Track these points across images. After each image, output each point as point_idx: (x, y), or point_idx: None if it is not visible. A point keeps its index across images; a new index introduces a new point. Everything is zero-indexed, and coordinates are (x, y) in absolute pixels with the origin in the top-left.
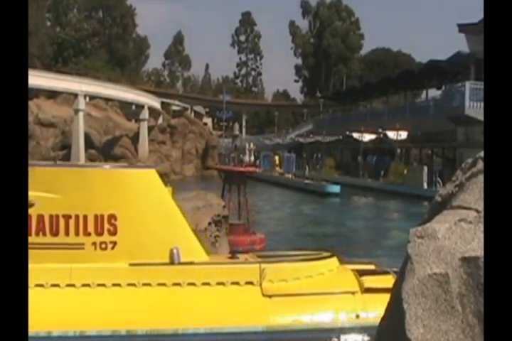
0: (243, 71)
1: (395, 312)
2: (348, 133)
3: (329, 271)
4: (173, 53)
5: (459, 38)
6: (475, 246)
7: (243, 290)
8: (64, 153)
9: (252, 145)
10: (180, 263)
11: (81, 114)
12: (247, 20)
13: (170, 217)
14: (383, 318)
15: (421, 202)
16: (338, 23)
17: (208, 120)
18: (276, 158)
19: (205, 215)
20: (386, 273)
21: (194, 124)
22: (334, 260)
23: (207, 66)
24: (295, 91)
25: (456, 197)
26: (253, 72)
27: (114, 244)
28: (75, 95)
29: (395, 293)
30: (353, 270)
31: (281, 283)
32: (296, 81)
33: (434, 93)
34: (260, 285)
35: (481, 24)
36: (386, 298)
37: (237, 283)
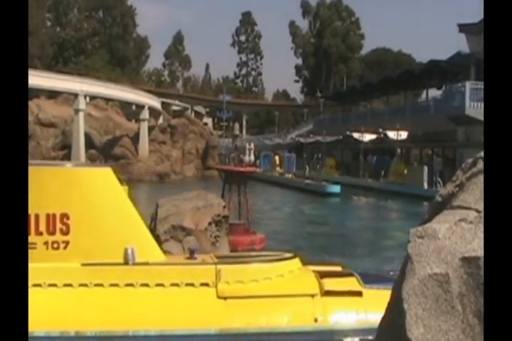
0: (243, 71)
1: (395, 312)
2: (348, 133)
3: (289, 273)
4: (174, 53)
5: (459, 38)
6: (475, 246)
7: (198, 291)
8: (64, 153)
9: (252, 145)
10: (134, 264)
11: (81, 114)
12: (247, 20)
13: (125, 216)
14: (383, 318)
15: (421, 202)
16: (339, 23)
17: (209, 120)
18: (277, 158)
19: (205, 215)
20: (350, 275)
21: (194, 124)
22: (295, 261)
23: (207, 66)
24: (295, 91)
25: (456, 197)
26: (253, 72)
27: (67, 243)
28: (76, 95)
29: (395, 293)
30: (315, 272)
31: (237, 284)
32: (297, 81)
33: (434, 93)
34: (216, 286)
35: (481, 24)
36: (346, 301)
37: (191, 285)
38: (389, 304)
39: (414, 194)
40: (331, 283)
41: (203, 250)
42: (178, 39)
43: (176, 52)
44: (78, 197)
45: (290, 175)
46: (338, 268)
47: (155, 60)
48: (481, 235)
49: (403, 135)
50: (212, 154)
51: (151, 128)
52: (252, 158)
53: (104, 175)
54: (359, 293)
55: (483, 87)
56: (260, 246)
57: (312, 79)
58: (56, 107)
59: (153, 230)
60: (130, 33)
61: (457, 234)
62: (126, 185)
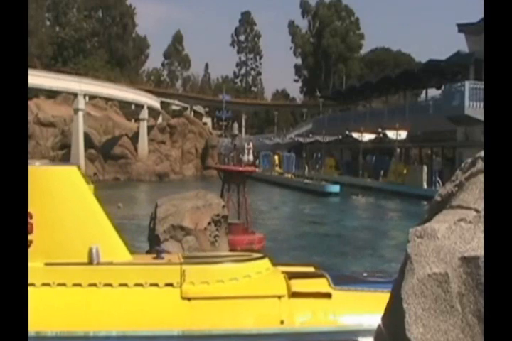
0: (243, 71)
1: (394, 312)
2: (347, 132)
3: (257, 274)
4: (173, 53)
5: (459, 38)
6: (474, 245)
7: (162, 292)
8: (63, 152)
9: (250, 144)
10: (98, 263)
11: (81, 114)
12: (246, 20)
13: (91, 215)
14: (383, 318)
15: (420, 202)
16: (338, 22)
17: (208, 120)
18: (276, 157)
19: (204, 215)
20: (320, 276)
21: (194, 124)
22: (264, 262)
23: (206, 66)
24: (295, 90)
25: (455, 197)
26: (253, 72)
27: (30, 242)
28: (75, 95)
29: (395, 293)
30: (284, 273)
31: (202, 285)
32: (296, 81)
33: (433, 93)
34: (180, 287)
35: (481, 24)
36: (314, 302)
37: (156, 285)
38: (388, 303)
39: (413, 194)
40: (299, 285)
41: (202, 250)
42: (178, 39)
43: (176, 51)
44: (42, 196)
45: (289, 175)
46: (311, 269)
47: (154, 59)
48: (481, 235)
49: (402, 135)
50: (212, 154)
51: (150, 128)
52: (251, 157)
53: (69, 174)
54: (328, 295)
55: (482, 86)
56: (259, 245)
57: (311, 78)
58: (55, 107)
59: (152, 230)
60: (129, 33)
61: (456, 234)
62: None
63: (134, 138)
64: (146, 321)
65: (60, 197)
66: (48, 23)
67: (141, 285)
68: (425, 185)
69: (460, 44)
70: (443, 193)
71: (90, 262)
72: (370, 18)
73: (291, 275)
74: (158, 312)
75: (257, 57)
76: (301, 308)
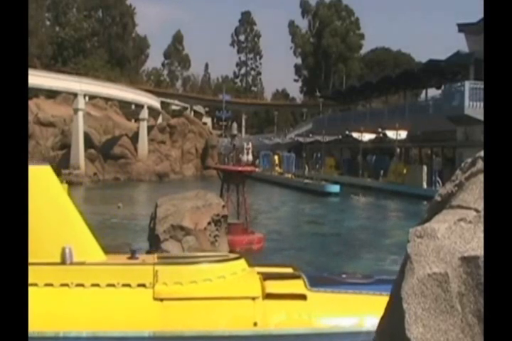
0: (243, 70)
1: (394, 312)
2: (347, 132)
3: (231, 275)
4: (173, 53)
5: (459, 38)
6: (474, 245)
7: (134, 292)
8: (63, 152)
9: (250, 144)
10: (71, 263)
11: (80, 114)
12: (246, 20)
13: (64, 215)
14: (383, 318)
15: (420, 202)
16: (338, 22)
17: (208, 119)
18: (276, 157)
19: (204, 215)
20: (296, 277)
21: (194, 124)
22: (240, 262)
23: (206, 65)
24: (294, 90)
25: (455, 197)
26: (253, 72)
27: None
28: (75, 95)
29: (395, 293)
30: (259, 273)
31: (175, 286)
32: (296, 80)
33: (433, 93)
34: (153, 287)
35: (481, 24)
36: (289, 304)
37: (128, 285)
38: (388, 303)
39: (413, 193)
40: (273, 286)
41: (202, 249)
42: (178, 38)
43: (176, 51)
44: None
45: (289, 175)
46: (289, 270)
47: (154, 59)
48: (481, 235)
49: (402, 134)
50: (212, 154)
51: (150, 128)
52: (251, 157)
53: (42, 174)
54: (303, 296)
55: (482, 86)
56: (258, 245)
57: (311, 78)
58: (55, 107)
59: (152, 229)
60: (129, 33)
61: (456, 234)
62: (66, 184)
63: (134, 138)
64: (117, 322)
65: (33, 196)
66: (47, 22)
67: (113, 285)
68: (425, 185)
69: (460, 44)
70: (443, 193)
71: (63, 262)
72: (370, 18)
73: (267, 277)
74: (129, 313)
75: (257, 57)
76: (275, 310)
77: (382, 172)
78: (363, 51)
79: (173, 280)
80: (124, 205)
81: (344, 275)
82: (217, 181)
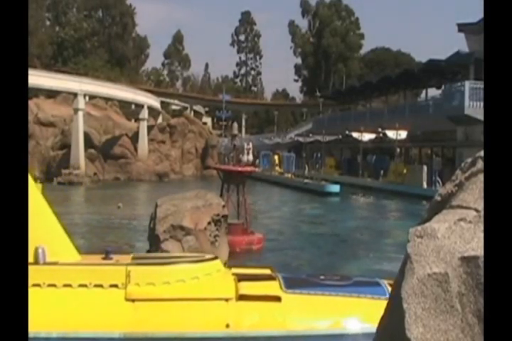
0: (243, 70)
1: (394, 312)
2: (347, 132)
3: (206, 275)
4: (173, 53)
5: (459, 38)
6: (474, 245)
7: (106, 293)
8: (63, 152)
9: (250, 144)
10: (44, 264)
11: (80, 114)
12: (246, 20)
13: (37, 215)
14: (383, 318)
15: (420, 202)
16: (338, 22)
17: (208, 119)
18: (276, 157)
19: (204, 215)
20: (272, 279)
21: (194, 124)
22: (215, 263)
23: (206, 65)
24: (295, 90)
25: (455, 197)
26: (253, 72)
27: None
28: (75, 94)
29: (395, 293)
30: (234, 275)
31: (148, 286)
32: (296, 80)
33: (433, 92)
34: (125, 288)
35: (481, 24)
36: (263, 306)
37: (100, 286)
38: (388, 303)
39: (413, 193)
40: (247, 287)
41: (202, 249)
42: (178, 38)
43: (176, 51)
44: None
45: (289, 175)
46: (266, 272)
47: (154, 59)
48: (481, 235)
49: (402, 134)
50: (212, 153)
51: (150, 128)
52: (251, 157)
53: None
54: (277, 298)
55: (482, 86)
56: (258, 246)
57: (311, 78)
58: (55, 107)
59: (152, 229)
60: (129, 33)
61: (456, 234)
62: (40, 183)
63: (134, 137)
64: (88, 322)
65: None
66: (47, 22)
67: (85, 285)
68: (425, 185)
69: (460, 44)
70: (443, 193)
71: (36, 262)
72: (370, 17)
73: (241, 278)
74: (100, 314)
75: (257, 57)
76: (249, 311)
77: (382, 172)
78: (363, 51)
79: (145, 280)
80: (124, 205)
81: (322, 277)
82: (217, 181)
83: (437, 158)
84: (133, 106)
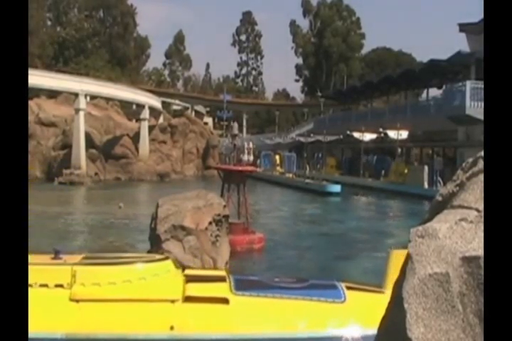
0: (244, 70)
1: (395, 312)
2: (348, 132)
3: (153, 276)
4: (174, 53)
5: (460, 38)
6: (475, 245)
7: (51, 293)
8: (65, 152)
9: (250, 144)
10: None
11: (82, 114)
12: (247, 20)
13: None
14: (383, 318)
15: (421, 202)
16: (339, 22)
17: (209, 119)
18: (277, 157)
19: (205, 215)
20: (222, 280)
21: (195, 124)
22: (165, 264)
23: (207, 65)
24: (296, 90)
25: (456, 197)
26: (254, 72)
27: None
28: (76, 95)
29: (396, 293)
30: (185, 276)
31: (93, 287)
32: (297, 80)
33: (434, 92)
34: (70, 288)
35: (482, 24)
36: (210, 308)
37: (46, 286)
38: (389, 303)
39: (414, 193)
40: (195, 289)
41: (203, 249)
42: (179, 38)
43: (177, 51)
44: None
45: (290, 175)
46: (220, 273)
47: (155, 59)
48: (482, 234)
49: (403, 134)
50: (213, 153)
51: (151, 128)
52: (251, 157)
53: None
54: (225, 300)
55: (483, 86)
56: (259, 245)
57: (312, 78)
58: (56, 107)
59: (153, 229)
60: (130, 33)
61: (458, 234)
62: None
63: (135, 138)
64: (31, 322)
65: None
66: (48, 22)
67: (30, 285)
68: (426, 185)
69: (461, 44)
70: (444, 193)
71: None
72: (371, 17)
73: (190, 279)
74: (44, 314)
75: (258, 57)
76: (195, 314)
77: (383, 172)
78: (364, 51)
79: (91, 281)
80: (125, 205)
81: (277, 279)
82: (219, 181)
83: (438, 158)
84: (134, 107)
